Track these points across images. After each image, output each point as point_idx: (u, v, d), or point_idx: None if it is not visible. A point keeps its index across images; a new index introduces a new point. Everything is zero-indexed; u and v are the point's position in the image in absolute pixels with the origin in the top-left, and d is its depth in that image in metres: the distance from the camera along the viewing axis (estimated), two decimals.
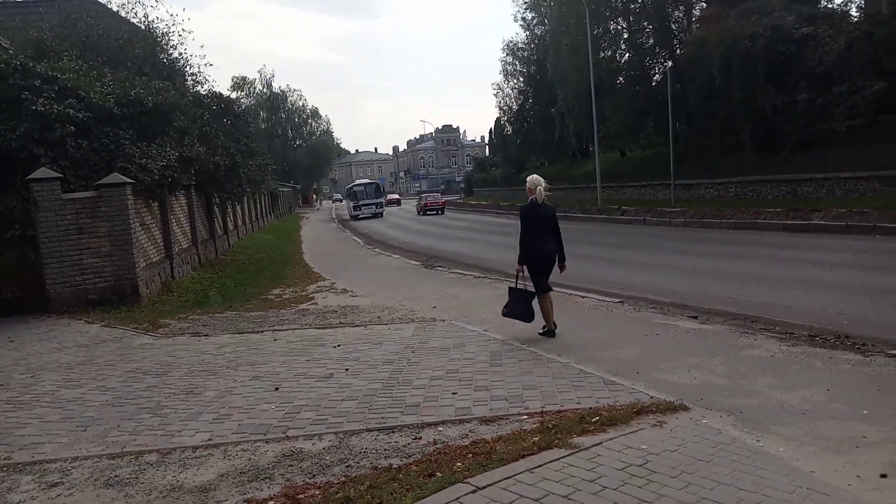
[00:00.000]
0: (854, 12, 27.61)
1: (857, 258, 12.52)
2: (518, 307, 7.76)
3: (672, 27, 34.04)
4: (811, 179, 22.78)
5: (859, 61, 22.15)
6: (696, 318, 8.43)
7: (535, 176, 7.92)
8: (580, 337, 7.69)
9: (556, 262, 7.85)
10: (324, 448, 4.64)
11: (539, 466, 3.91)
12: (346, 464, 4.34)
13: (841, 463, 3.99)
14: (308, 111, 78.29)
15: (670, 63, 32.58)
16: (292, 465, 4.36)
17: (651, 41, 34.73)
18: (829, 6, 28.49)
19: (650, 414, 4.82)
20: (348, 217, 49.41)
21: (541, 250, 7.70)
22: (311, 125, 79.79)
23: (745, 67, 24.50)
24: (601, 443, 4.28)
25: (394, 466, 4.20)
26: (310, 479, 4.13)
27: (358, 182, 55.97)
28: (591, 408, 5.03)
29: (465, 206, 55.91)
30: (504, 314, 7.94)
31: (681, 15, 33.95)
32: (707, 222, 21.73)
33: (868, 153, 20.54)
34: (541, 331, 7.74)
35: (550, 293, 7.79)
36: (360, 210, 48.37)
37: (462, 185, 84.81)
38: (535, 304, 7.74)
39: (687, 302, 9.47)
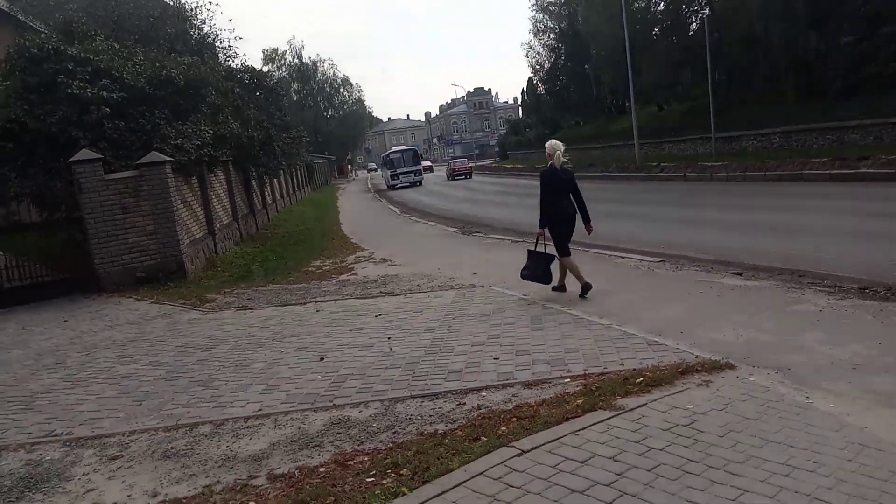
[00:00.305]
0: None
1: None
2: (538, 270, 7.95)
3: None
4: (858, 126, 21.90)
5: None
6: (740, 274, 8.27)
7: (553, 141, 8.12)
8: (621, 298, 7.62)
9: (584, 224, 8.12)
10: (370, 415, 4.73)
11: (583, 429, 3.92)
12: (393, 430, 4.42)
13: (895, 417, 3.90)
14: (339, 80, 77.97)
15: (707, 11, 31.44)
16: (340, 433, 4.46)
17: None
18: None
19: (695, 373, 4.76)
20: (385, 187, 48.02)
21: (561, 213, 7.85)
22: (344, 94, 79.51)
23: (785, 12, 23.54)
24: (646, 404, 4.26)
25: (439, 432, 4.26)
26: (358, 445, 4.22)
27: (394, 149, 52.25)
28: (634, 369, 5.00)
29: (500, 171, 55.56)
30: (523, 277, 8.12)
31: None
32: (750, 175, 21.16)
33: None
34: (580, 293, 7.74)
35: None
36: (398, 179, 45.86)
37: (496, 149, 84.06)
38: (554, 266, 7.93)
39: (731, 258, 9.28)
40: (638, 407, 4.22)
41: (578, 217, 7.95)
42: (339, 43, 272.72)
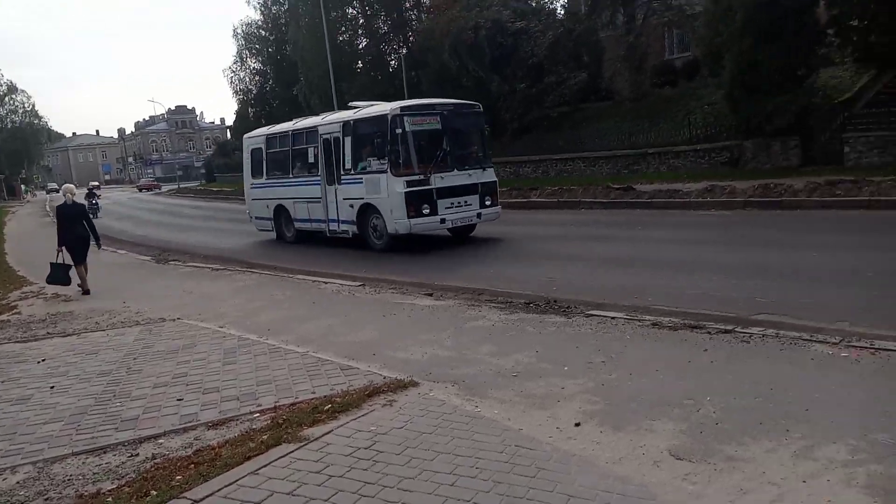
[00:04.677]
0: (560, 10, 31.09)
1: (566, 230, 14.19)
2: (59, 275, 10.84)
3: (405, 15, 35.27)
4: (529, 161, 25.33)
5: (564, 55, 25.10)
6: (431, 295, 8.85)
7: (67, 184, 11.84)
8: (321, 323, 7.65)
9: (95, 242, 11.39)
10: (17, 482, 4.03)
11: (264, 466, 3.79)
12: (45, 496, 3.82)
13: (544, 417, 4.44)
14: (4, 85, 66.76)
15: (405, 50, 33.78)
16: None
17: (386, 28, 35.63)
18: (540, 2, 31.63)
19: (382, 394, 4.93)
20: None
21: (74, 235, 10.97)
22: (13, 102, 68.34)
23: (472, 56, 26.33)
24: (331, 431, 4.28)
25: (103, 491, 3.79)
26: None
27: (411, 104, 13.64)
28: (325, 396, 5.01)
29: (206, 194, 52.64)
30: (48, 282, 10.99)
31: (410, 5, 35.28)
32: None
33: (574, 137, 23.41)
34: (78, 288, 10.88)
35: (83, 265, 11.08)
36: (437, 212, 12.15)
37: (202, 171, 79.65)
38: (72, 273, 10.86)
39: (423, 280, 9.91)
40: (323, 435, 4.22)
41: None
42: (7, 46, 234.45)
